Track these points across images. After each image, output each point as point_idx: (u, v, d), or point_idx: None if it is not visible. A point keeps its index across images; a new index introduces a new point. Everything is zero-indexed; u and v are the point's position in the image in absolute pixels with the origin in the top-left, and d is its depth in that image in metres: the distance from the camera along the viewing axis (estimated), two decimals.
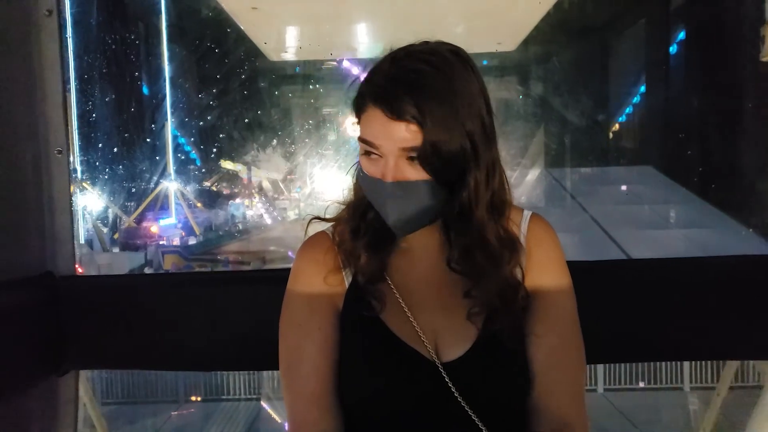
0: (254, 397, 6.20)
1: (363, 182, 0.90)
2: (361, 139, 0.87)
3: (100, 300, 1.34)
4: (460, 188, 0.85)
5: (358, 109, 0.88)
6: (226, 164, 14.88)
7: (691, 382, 5.81)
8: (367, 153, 0.87)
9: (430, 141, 0.81)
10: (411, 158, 0.83)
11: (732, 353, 1.38)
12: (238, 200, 14.94)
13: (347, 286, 0.93)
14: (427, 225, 0.89)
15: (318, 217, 0.99)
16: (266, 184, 14.18)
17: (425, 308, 0.90)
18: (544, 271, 0.92)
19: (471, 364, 0.86)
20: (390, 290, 0.91)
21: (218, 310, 1.30)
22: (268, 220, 14.26)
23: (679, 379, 5.82)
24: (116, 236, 13.36)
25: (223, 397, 6.23)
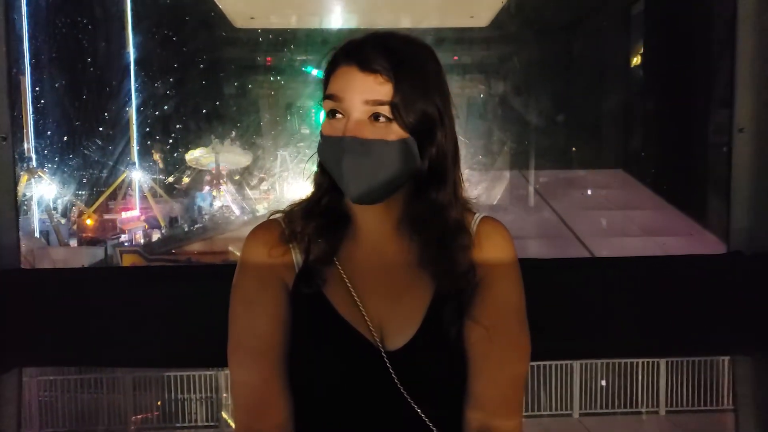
0: (212, 424, 5.90)
1: (322, 148, 0.89)
2: (326, 96, 0.87)
3: (47, 295, 1.29)
4: (429, 146, 0.87)
5: (328, 72, 0.89)
6: (191, 156, 14.49)
7: (667, 405, 5.85)
8: (330, 113, 0.87)
9: (403, 94, 0.83)
10: (375, 117, 0.84)
11: (689, 350, 1.41)
12: (204, 191, 14.58)
13: (297, 270, 0.93)
14: (384, 198, 0.88)
15: (279, 211, 0.99)
16: (231, 188, 13.83)
17: (373, 295, 0.91)
18: (491, 264, 0.93)
19: (414, 354, 0.88)
20: (339, 274, 0.92)
21: (172, 305, 1.27)
22: (236, 213, 13.97)
23: (654, 402, 5.86)
24: (74, 227, 12.89)
25: (178, 425, 5.86)
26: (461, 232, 0.91)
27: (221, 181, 14.33)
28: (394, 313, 0.90)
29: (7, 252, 1.28)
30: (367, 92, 0.84)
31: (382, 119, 0.84)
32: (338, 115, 0.86)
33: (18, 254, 1.30)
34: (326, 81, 0.89)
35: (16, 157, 1.33)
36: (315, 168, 0.95)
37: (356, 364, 0.88)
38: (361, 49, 0.85)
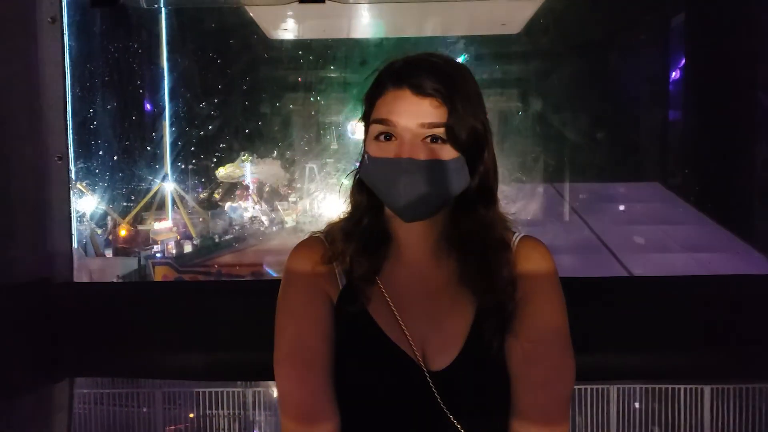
0: None
1: (370, 168, 0.90)
2: (376, 120, 0.88)
3: (96, 307, 1.33)
4: (479, 163, 0.90)
5: (375, 95, 0.90)
6: (222, 172, 14.76)
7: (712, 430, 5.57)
8: (380, 136, 0.88)
9: (456, 116, 0.85)
10: (430, 139, 0.86)
11: (736, 377, 1.36)
12: (235, 204, 14.78)
13: (341, 288, 0.95)
14: (433, 215, 0.90)
15: (318, 231, 1.01)
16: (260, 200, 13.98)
17: (415, 315, 0.92)
18: (531, 283, 0.93)
19: (457, 375, 0.88)
20: (381, 293, 0.93)
21: (212, 319, 1.30)
22: (265, 225, 14.12)
23: (699, 428, 5.59)
24: (110, 237, 13.21)
25: None
26: (503, 248, 0.93)
27: (250, 193, 14.53)
28: (436, 333, 0.91)
29: (61, 265, 1.34)
30: (422, 115, 0.85)
31: (436, 140, 0.87)
32: (390, 138, 0.88)
33: (71, 268, 1.35)
34: (372, 104, 0.91)
35: (70, 177, 1.39)
36: (348, 185, 0.97)
37: (400, 383, 0.89)
38: (411, 73, 0.87)
